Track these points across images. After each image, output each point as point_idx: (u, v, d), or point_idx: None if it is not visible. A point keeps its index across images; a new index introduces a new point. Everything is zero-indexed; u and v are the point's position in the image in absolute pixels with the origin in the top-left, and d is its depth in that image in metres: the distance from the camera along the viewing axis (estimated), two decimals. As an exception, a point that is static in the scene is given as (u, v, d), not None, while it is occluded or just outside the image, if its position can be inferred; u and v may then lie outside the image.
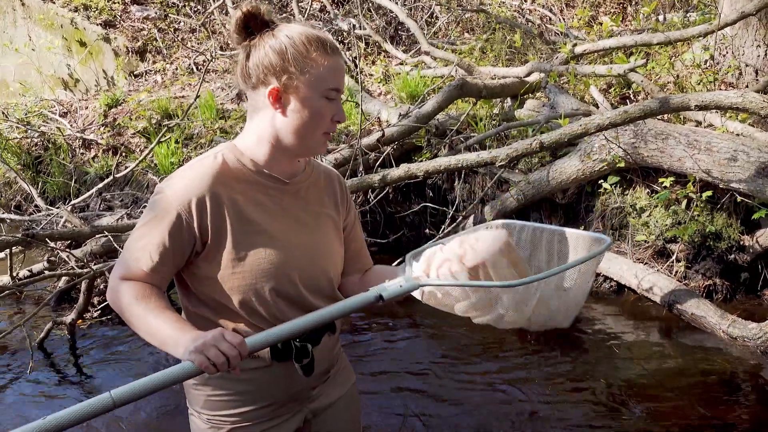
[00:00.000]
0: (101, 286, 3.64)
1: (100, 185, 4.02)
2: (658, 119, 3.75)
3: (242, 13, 1.42)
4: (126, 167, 5.42)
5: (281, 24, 1.47)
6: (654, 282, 3.44)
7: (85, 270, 2.78)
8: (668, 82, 4.41)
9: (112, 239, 3.32)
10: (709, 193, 3.27)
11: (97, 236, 3.58)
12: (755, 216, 3.11)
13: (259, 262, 1.46)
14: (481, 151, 3.29)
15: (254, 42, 1.42)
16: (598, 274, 3.87)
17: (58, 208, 4.08)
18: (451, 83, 4.16)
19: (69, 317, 3.05)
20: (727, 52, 4.37)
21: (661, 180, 3.43)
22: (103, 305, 3.50)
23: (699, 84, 4.15)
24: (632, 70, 3.97)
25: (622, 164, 3.56)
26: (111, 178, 3.75)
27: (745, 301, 3.57)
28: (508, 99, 4.68)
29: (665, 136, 3.36)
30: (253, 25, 1.43)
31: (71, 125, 6.12)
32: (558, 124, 3.76)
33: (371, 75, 6.39)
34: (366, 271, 1.73)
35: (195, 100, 3.52)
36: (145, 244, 1.39)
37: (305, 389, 1.61)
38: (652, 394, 2.61)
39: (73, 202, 4.15)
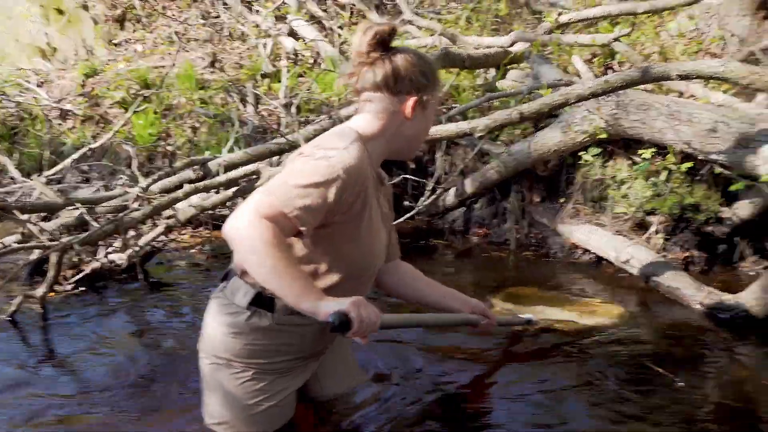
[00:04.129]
0: (75, 259, 3.59)
1: (75, 156, 3.94)
2: (642, 90, 3.71)
3: (387, 29, 1.67)
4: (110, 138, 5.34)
5: (400, 46, 1.77)
6: (632, 254, 3.43)
7: (54, 242, 2.73)
8: (653, 53, 4.35)
9: (85, 211, 3.26)
10: (689, 164, 3.25)
11: (70, 208, 3.53)
12: (732, 188, 3.09)
13: (372, 248, 1.78)
14: (462, 122, 3.24)
15: (393, 56, 1.68)
16: (576, 247, 3.85)
17: (32, 179, 4.01)
18: (433, 53, 4.08)
19: (40, 290, 3.00)
20: (712, 22, 4.31)
21: (640, 151, 3.40)
22: (75, 279, 3.45)
23: (683, 54, 4.10)
24: (616, 39, 3.91)
25: (604, 135, 3.53)
26: (86, 149, 3.67)
27: (722, 273, 3.57)
28: (492, 69, 4.62)
29: (647, 107, 3.32)
30: (388, 40, 1.68)
31: (48, 95, 5.99)
32: (540, 94, 3.71)
33: (355, 45, 6.28)
34: (397, 262, 2.14)
35: (170, 68, 3.43)
36: (308, 205, 1.52)
37: (328, 346, 1.95)
38: (626, 366, 2.60)
39: (47, 173, 4.07)
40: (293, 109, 4.14)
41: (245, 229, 1.48)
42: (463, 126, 3.02)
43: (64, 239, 2.72)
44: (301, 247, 1.68)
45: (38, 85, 6.20)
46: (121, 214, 2.87)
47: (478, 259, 4.05)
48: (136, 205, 3.16)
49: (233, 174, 3.11)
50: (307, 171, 1.55)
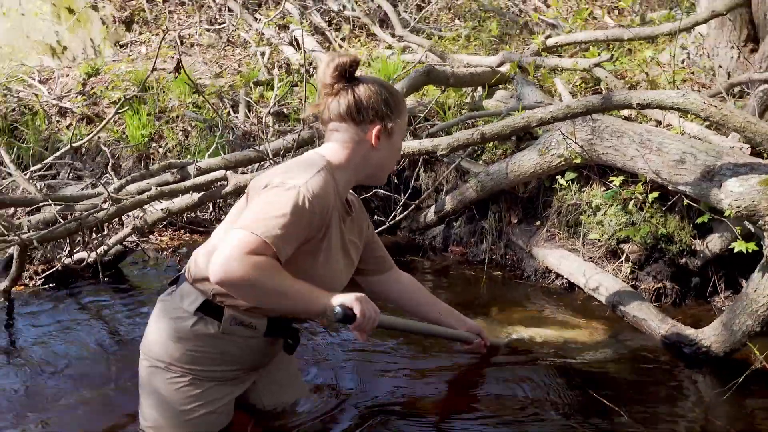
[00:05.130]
0: (48, 255, 3.63)
1: (58, 153, 4.00)
2: (620, 116, 3.69)
3: (349, 60, 1.73)
4: (97, 137, 5.40)
5: (366, 75, 1.88)
6: (600, 281, 3.40)
7: (14, 237, 2.77)
8: (641, 81, 4.32)
9: (55, 209, 3.30)
10: (655, 194, 3.22)
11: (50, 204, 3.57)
12: (699, 220, 3.05)
13: (326, 278, 1.80)
14: (425, 139, 3.24)
15: (356, 86, 1.75)
16: (550, 271, 3.82)
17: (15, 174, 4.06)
18: (417, 69, 4.10)
19: (2, 285, 3.04)
20: (703, 53, 4.28)
21: (611, 178, 3.37)
22: (46, 274, 3.49)
23: (670, 83, 4.07)
24: (597, 65, 3.90)
25: (579, 160, 3.50)
26: (67, 147, 3.73)
27: (694, 306, 3.52)
28: (480, 88, 4.62)
29: (620, 134, 3.29)
30: (351, 72, 1.75)
31: (50, 92, 6.08)
32: (519, 116, 3.70)
33: (355, 57, 6.31)
34: (397, 273, 2.29)
35: (151, 72, 3.48)
36: (285, 234, 1.58)
37: (269, 360, 1.99)
38: (575, 395, 2.56)
39: (32, 169, 4.13)
40: (270, 119, 4.15)
41: (238, 269, 1.53)
42: (425, 144, 3.02)
43: (25, 235, 2.75)
44: None
45: (41, 82, 6.29)
46: (84, 213, 2.90)
47: (453, 278, 4.03)
48: (106, 205, 3.18)
49: (200, 180, 3.14)
50: (280, 203, 1.61)
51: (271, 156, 3.30)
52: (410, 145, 3.09)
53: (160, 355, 1.82)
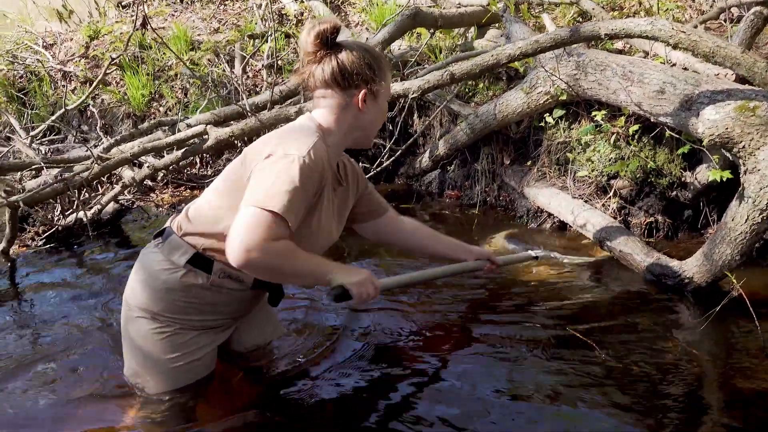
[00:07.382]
0: (42, 216, 3.74)
1: (53, 117, 4.08)
2: (612, 50, 3.59)
3: (329, 27, 1.73)
4: (101, 99, 5.48)
5: (348, 39, 1.85)
6: (588, 218, 3.37)
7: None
8: (637, 11, 4.17)
9: (47, 171, 3.39)
10: (635, 127, 3.14)
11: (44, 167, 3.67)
12: (679, 151, 2.98)
13: (316, 239, 1.87)
14: (396, 83, 3.20)
15: (338, 52, 1.76)
16: (542, 211, 3.80)
17: (15, 139, 4.17)
18: (403, 12, 4.02)
19: (0, 246, 3.16)
20: (703, -24, 4.09)
21: (593, 113, 3.30)
22: (46, 234, 3.61)
23: (667, 11, 3.93)
24: (585, -4, 3.77)
25: (565, 97, 3.43)
26: (61, 111, 3.79)
27: (687, 239, 3.48)
28: (472, 29, 4.52)
29: (604, 67, 3.21)
30: (332, 38, 1.76)
31: (55, 57, 6.15)
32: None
33: (354, 4, 6.22)
34: (397, 217, 2.30)
35: (133, 31, 3.50)
36: (296, 208, 1.64)
37: (251, 310, 2.07)
38: (552, 330, 2.57)
39: (32, 133, 4.23)
40: (263, 72, 4.14)
41: (259, 257, 1.57)
42: (397, 87, 2.98)
43: (13, 197, 2.85)
44: None
45: (46, 48, 6.36)
46: (69, 174, 2.97)
47: (448, 221, 4.04)
48: (95, 165, 3.26)
49: (181, 135, 3.17)
50: (288, 175, 1.64)
51: (248, 110, 3.30)
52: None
53: (146, 305, 1.86)
